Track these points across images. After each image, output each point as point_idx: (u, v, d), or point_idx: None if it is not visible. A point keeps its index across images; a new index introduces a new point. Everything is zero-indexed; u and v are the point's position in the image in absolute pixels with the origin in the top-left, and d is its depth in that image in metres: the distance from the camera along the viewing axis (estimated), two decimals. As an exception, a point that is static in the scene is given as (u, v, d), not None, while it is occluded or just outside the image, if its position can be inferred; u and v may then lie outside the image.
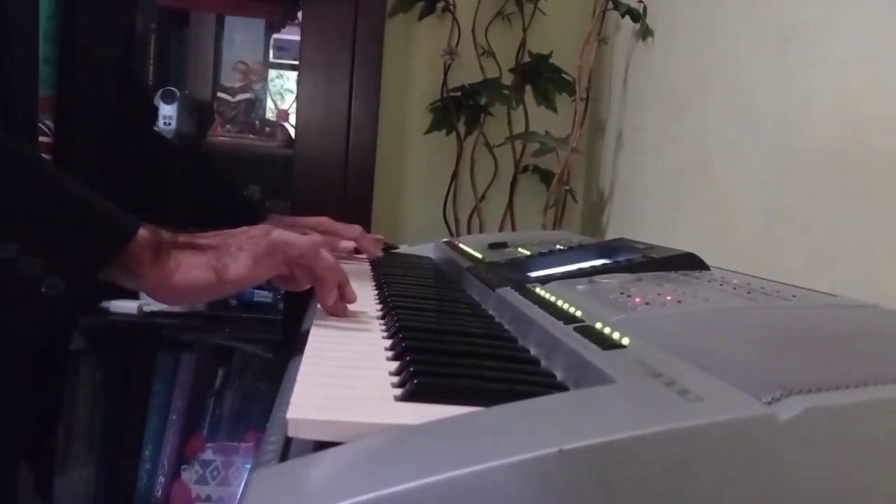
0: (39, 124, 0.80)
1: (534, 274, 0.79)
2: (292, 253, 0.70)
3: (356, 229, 1.13)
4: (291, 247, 0.70)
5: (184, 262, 0.66)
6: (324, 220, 1.10)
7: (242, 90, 1.75)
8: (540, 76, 1.76)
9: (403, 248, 1.34)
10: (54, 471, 0.93)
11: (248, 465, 1.69)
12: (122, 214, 0.66)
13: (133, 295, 1.64)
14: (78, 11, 0.81)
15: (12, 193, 0.62)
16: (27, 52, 0.75)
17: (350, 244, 0.70)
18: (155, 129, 1.20)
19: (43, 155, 0.71)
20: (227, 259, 0.67)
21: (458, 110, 1.78)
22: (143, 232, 0.65)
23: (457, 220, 1.80)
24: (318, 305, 0.76)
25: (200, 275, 0.66)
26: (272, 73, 1.82)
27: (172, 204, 1.08)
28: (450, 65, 1.76)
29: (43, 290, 0.60)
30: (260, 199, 1.86)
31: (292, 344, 0.66)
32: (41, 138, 0.82)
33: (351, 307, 0.75)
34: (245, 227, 0.72)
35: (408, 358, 0.54)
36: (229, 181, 1.14)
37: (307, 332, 0.65)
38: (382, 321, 0.72)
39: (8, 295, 0.61)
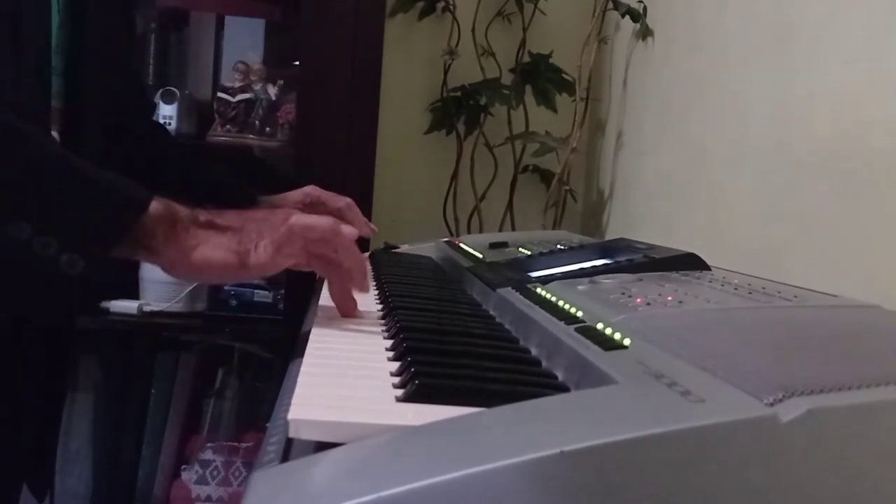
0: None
1: (534, 274, 0.79)
2: (312, 237, 0.68)
3: (344, 200, 1.08)
4: (311, 230, 0.68)
5: (204, 242, 0.66)
6: (310, 191, 1.07)
7: (242, 90, 1.74)
8: (540, 76, 1.75)
9: (403, 248, 1.34)
10: (54, 471, 0.92)
11: (249, 465, 1.69)
12: (132, 188, 0.65)
13: (133, 295, 1.64)
14: (84, 19, 0.81)
15: (21, 173, 0.61)
16: (40, 62, 0.75)
17: (355, 231, 0.68)
18: (154, 119, 1.19)
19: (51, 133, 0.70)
20: (249, 244, 0.67)
21: (458, 110, 1.77)
22: (155, 205, 0.65)
23: (457, 220, 1.80)
24: (320, 303, 0.76)
25: (221, 256, 0.66)
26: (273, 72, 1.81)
27: (172, 192, 1.08)
28: (450, 65, 1.76)
29: (62, 268, 0.60)
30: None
31: (293, 346, 0.66)
32: None
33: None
34: (265, 211, 0.72)
35: (409, 358, 0.54)
36: (226, 170, 1.12)
37: (308, 334, 0.65)
38: (383, 321, 0.72)
39: (29, 276, 0.61)
